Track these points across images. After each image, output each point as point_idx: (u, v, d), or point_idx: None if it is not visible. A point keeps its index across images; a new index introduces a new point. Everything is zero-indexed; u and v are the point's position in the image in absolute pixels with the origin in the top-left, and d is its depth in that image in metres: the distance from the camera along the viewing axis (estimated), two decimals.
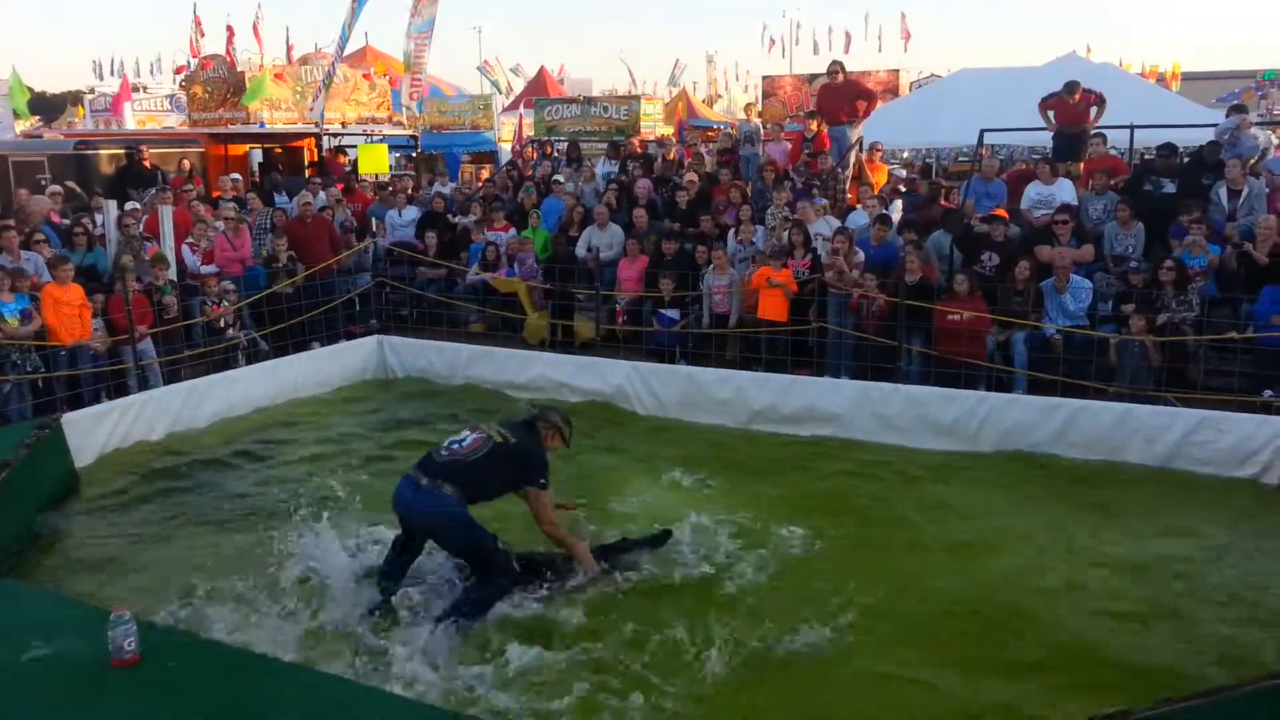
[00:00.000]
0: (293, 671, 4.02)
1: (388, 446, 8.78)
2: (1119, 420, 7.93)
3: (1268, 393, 8.05)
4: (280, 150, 18.39)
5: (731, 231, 10.73)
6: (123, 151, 15.14)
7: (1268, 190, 9.74)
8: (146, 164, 14.63)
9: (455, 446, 5.61)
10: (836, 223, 10.47)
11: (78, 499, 7.52)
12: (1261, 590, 5.84)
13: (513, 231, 11.91)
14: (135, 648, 4.04)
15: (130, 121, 24.19)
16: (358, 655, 5.07)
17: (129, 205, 11.92)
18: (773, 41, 34.07)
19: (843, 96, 12.25)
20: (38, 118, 29.77)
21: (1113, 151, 11.83)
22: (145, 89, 31.41)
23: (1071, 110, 11.35)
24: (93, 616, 4.33)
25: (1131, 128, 10.77)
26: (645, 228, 11.23)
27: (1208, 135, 10.74)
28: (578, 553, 5.90)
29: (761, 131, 13.81)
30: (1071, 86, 11.29)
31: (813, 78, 19.87)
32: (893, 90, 20.92)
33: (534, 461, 5.72)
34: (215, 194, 12.84)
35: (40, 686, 3.86)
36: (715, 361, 9.73)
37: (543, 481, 5.71)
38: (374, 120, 19.50)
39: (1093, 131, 11.29)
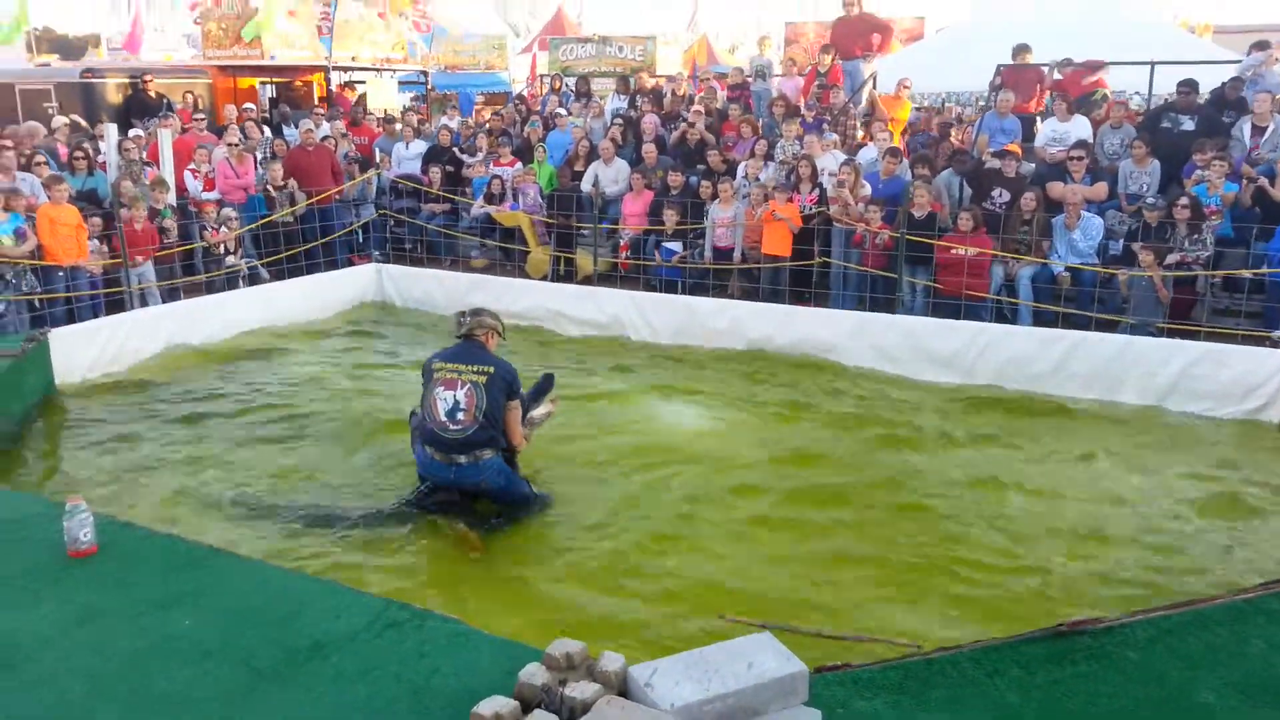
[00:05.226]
0: (246, 564, 3.97)
1: (379, 370, 8.73)
2: (1119, 352, 7.75)
3: (1277, 333, 7.83)
4: (291, 85, 18.25)
5: (741, 166, 10.52)
6: (128, 81, 15.05)
7: None
8: (151, 93, 14.54)
9: (460, 416, 5.43)
10: (844, 157, 10.23)
11: (61, 413, 7.50)
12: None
13: (519, 166, 11.74)
14: (91, 538, 3.99)
15: (148, 57, 24.04)
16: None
17: (132, 132, 11.83)
18: None
19: (857, 30, 11.98)
20: (57, 55, 29.63)
21: (1136, 97, 11.51)
22: (163, 30, 31.22)
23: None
24: (52, 509, 4.29)
25: (1152, 64, 10.41)
26: (654, 164, 11.05)
27: (1230, 74, 10.37)
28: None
29: (775, 66, 13.51)
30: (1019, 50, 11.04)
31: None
32: (917, 38, 20.37)
33: (515, 375, 5.70)
34: (220, 122, 12.71)
35: None
36: (716, 296, 9.58)
37: (523, 392, 5.78)
38: (388, 61, 19.29)
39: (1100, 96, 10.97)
